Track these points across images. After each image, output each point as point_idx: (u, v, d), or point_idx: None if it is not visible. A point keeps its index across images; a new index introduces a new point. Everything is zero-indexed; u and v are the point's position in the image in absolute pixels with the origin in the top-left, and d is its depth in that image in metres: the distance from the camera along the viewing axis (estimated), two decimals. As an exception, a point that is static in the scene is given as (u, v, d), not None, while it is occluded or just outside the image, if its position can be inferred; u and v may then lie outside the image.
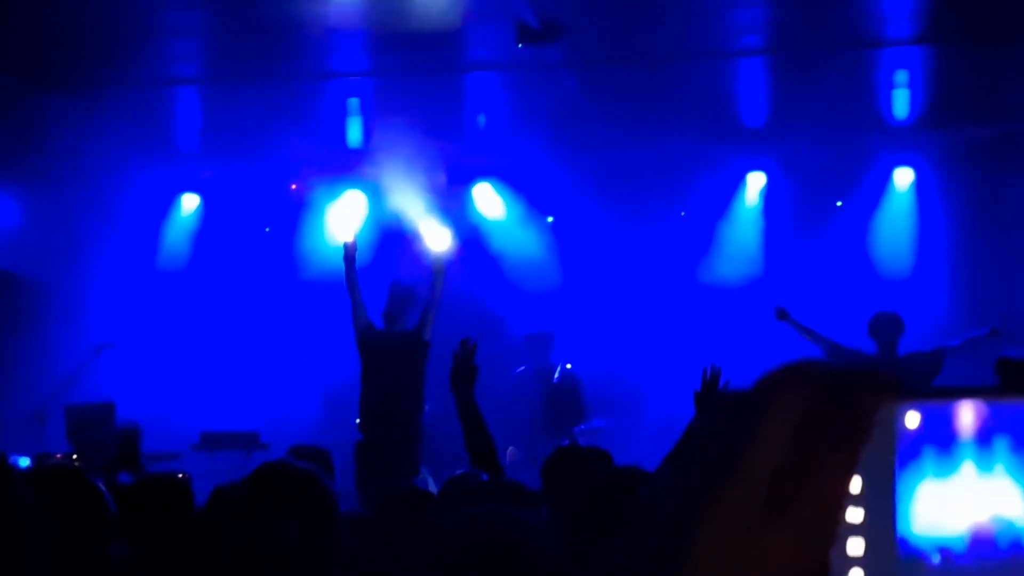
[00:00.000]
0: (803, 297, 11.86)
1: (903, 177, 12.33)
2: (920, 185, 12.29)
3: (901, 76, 10.96)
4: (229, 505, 3.04)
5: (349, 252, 9.37)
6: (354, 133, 12.30)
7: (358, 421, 9.10)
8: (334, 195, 13.03)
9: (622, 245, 12.53)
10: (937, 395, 0.73)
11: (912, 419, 0.72)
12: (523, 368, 10.95)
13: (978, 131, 11.71)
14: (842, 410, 0.70)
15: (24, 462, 8.27)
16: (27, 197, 11.61)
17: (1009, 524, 0.72)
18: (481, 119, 12.05)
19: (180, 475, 7.07)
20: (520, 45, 9.12)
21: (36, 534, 2.07)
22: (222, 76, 10.69)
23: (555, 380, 10.68)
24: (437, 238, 9.67)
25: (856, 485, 0.71)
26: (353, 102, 11.52)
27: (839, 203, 12.41)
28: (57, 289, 11.86)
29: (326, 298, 11.62)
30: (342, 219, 12.95)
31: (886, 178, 12.39)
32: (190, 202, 13.40)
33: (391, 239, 12.92)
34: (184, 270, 13.16)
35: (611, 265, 12.53)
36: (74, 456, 8.51)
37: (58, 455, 8.50)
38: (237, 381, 12.52)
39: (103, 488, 3.60)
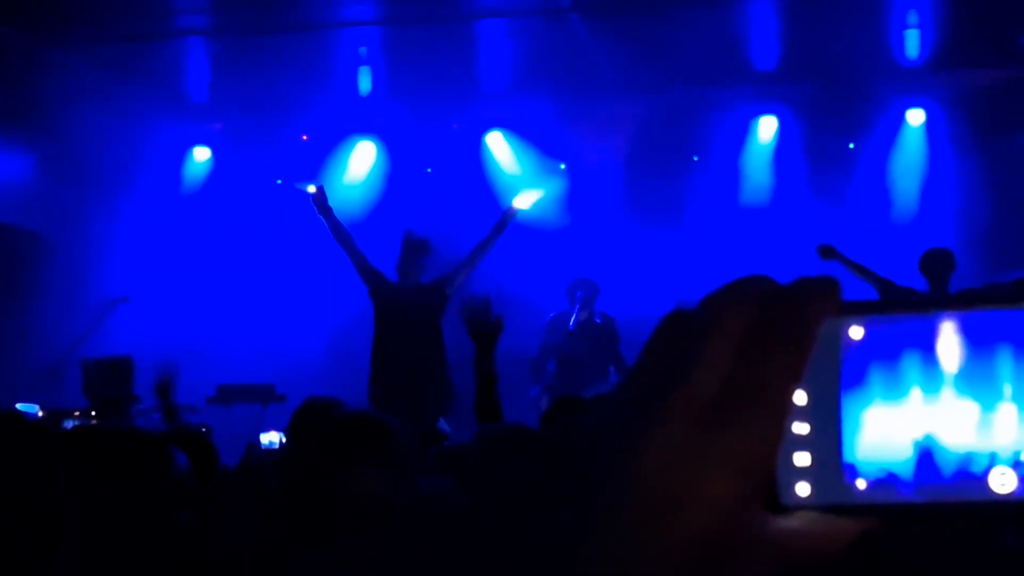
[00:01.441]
0: (816, 239, 11.84)
1: (914, 119, 12.27)
2: (931, 127, 12.23)
3: (912, 17, 10.88)
4: (293, 458, 2.97)
5: (319, 201, 9.25)
6: (364, 83, 12.25)
7: (371, 375, 8.99)
8: (345, 146, 13.01)
9: (635, 191, 12.50)
10: (882, 308, 0.73)
11: (856, 332, 0.72)
12: (555, 314, 10.83)
13: (989, 74, 11.63)
14: (783, 320, 0.70)
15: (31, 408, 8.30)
16: (39, 153, 11.61)
17: (953, 449, 0.71)
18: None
19: (203, 429, 7.09)
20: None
21: (64, 495, 2.05)
22: (231, 27, 10.65)
23: (596, 322, 10.56)
24: (526, 194, 9.59)
25: (801, 398, 0.71)
26: (363, 51, 11.46)
27: (851, 145, 12.35)
28: (71, 244, 11.88)
29: (339, 249, 11.61)
30: (354, 169, 12.97)
31: (898, 120, 12.32)
32: (202, 155, 13.38)
33: (403, 188, 12.93)
34: (197, 223, 13.15)
35: (624, 211, 12.50)
36: (92, 412, 8.52)
37: (76, 412, 8.51)
38: (252, 334, 12.54)
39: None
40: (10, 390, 9.77)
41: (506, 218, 9.29)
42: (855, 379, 0.72)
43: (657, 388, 0.71)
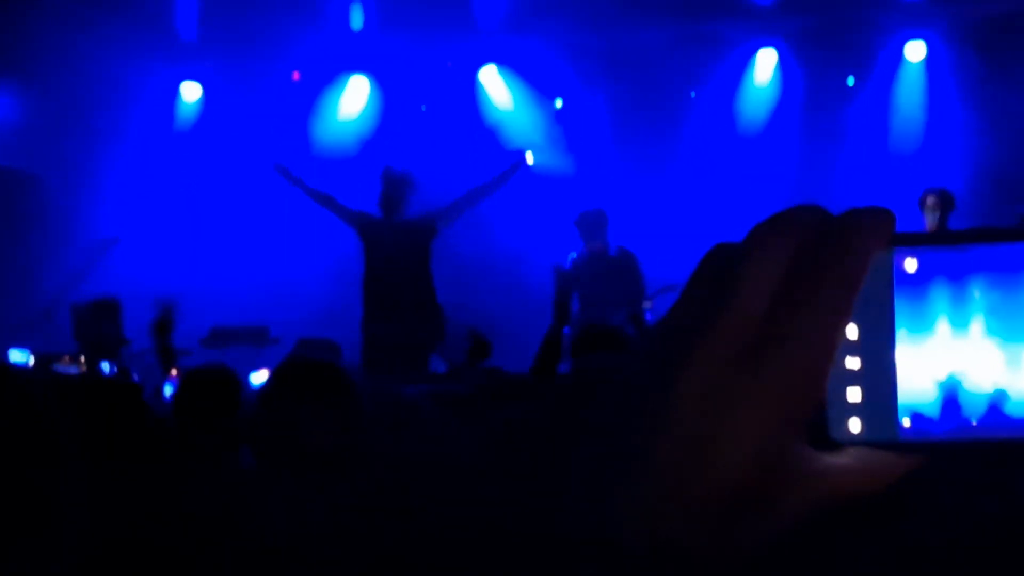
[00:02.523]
0: (818, 174, 11.77)
1: (915, 51, 12.13)
2: (932, 60, 12.10)
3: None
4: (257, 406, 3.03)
5: (284, 176, 9.42)
6: (356, 19, 12.09)
7: (364, 312, 9.02)
8: (338, 83, 12.89)
9: (632, 127, 12.41)
10: (936, 240, 0.72)
11: (910, 264, 0.71)
12: (576, 254, 10.75)
13: (992, 6, 11.50)
14: (834, 252, 0.69)
15: (22, 357, 8.23)
16: (27, 94, 11.51)
17: (980, 390, 0.71)
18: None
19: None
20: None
21: (57, 447, 2.01)
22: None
23: (612, 255, 10.49)
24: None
25: (853, 332, 0.71)
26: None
27: (851, 80, 12.24)
28: (60, 185, 11.78)
29: (332, 189, 11.52)
30: (347, 107, 12.86)
31: (899, 54, 12.20)
32: (192, 92, 13.25)
33: (396, 125, 12.84)
34: (188, 162, 13.04)
35: (621, 147, 12.42)
36: (81, 356, 8.46)
37: (67, 358, 8.44)
38: (246, 274, 12.47)
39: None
40: (1, 334, 9.71)
41: (514, 168, 9.38)
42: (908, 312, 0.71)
43: (696, 322, 0.70)
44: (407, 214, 8.99)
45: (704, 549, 0.68)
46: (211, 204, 12.86)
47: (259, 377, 8.08)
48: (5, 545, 1.88)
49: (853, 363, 0.70)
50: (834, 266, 0.68)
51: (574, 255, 10.72)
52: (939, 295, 0.70)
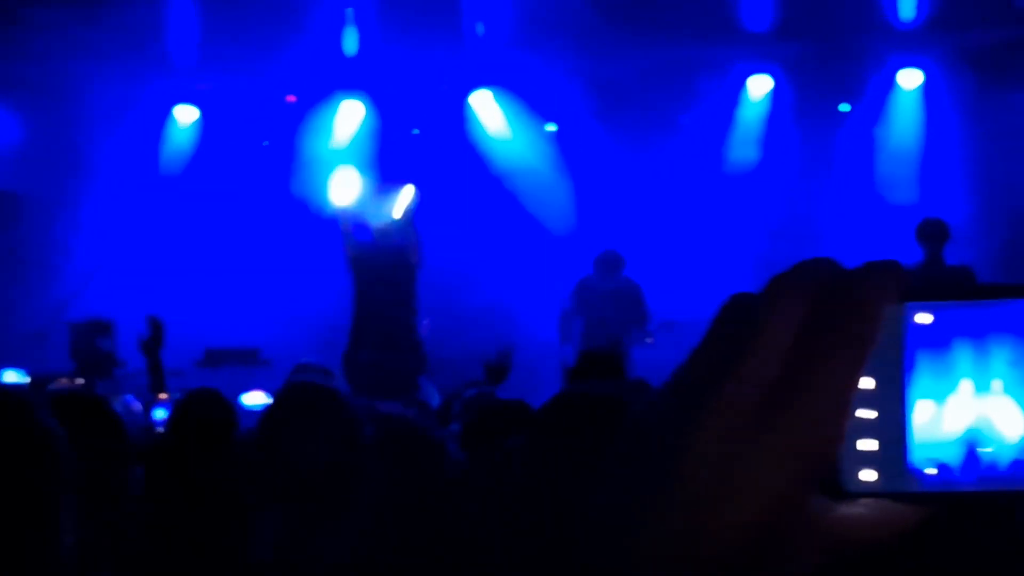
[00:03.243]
0: (809, 202, 11.81)
1: (910, 79, 12.17)
2: (928, 88, 12.13)
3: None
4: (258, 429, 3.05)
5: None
6: (350, 42, 12.14)
7: (350, 337, 9.17)
8: (332, 106, 12.92)
9: (625, 151, 12.43)
10: (947, 293, 0.72)
11: (923, 318, 0.72)
12: (583, 277, 10.91)
13: (986, 35, 11.55)
14: (847, 306, 0.69)
15: (18, 377, 8.24)
16: (23, 113, 11.53)
17: (1004, 443, 0.71)
18: (480, 27, 11.88)
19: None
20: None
21: (60, 462, 2.06)
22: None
23: (618, 287, 10.73)
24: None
25: (868, 383, 0.71)
26: (349, 11, 11.35)
27: (846, 107, 12.27)
28: (56, 205, 11.80)
29: (326, 214, 11.57)
30: (340, 130, 12.89)
31: (892, 82, 12.23)
32: (188, 115, 13.27)
33: (392, 145, 12.87)
34: (183, 184, 13.06)
35: (615, 172, 12.45)
36: (77, 378, 8.48)
37: (63, 379, 8.46)
38: (238, 296, 12.47)
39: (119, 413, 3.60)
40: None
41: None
42: (912, 368, 0.72)
43: (714, 373, 0.70)
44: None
45: None
46: (205, 226, 12.87)
47: (251, 399, 8.11)
48: (10, 549, 1.93)
49: (867, 414, 0.71)
50: (847, 322, 0.69)
51: (582, 277, 10.89)
52: (957, 348, 0.71)
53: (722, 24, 11.54)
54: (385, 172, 11.46)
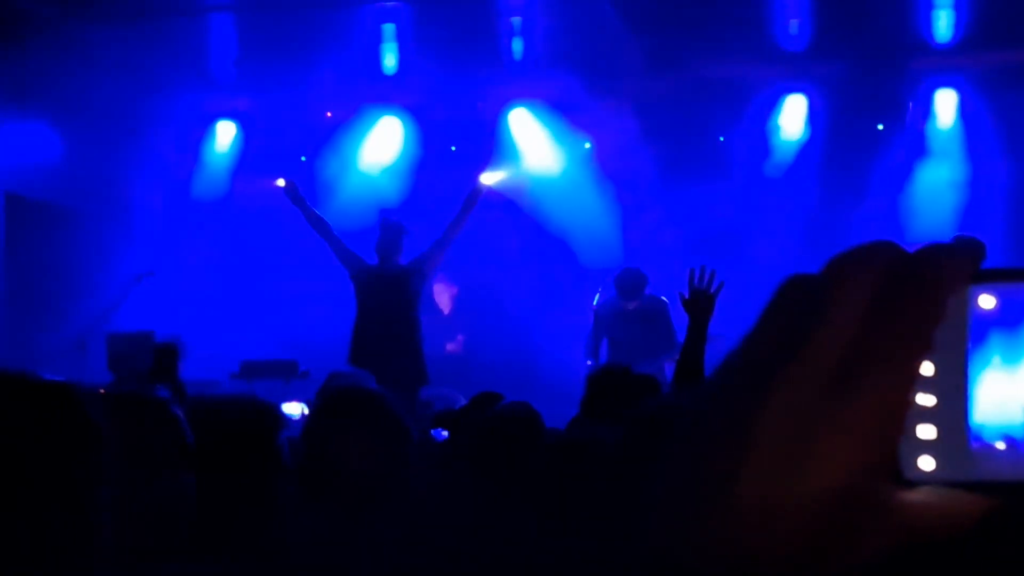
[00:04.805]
0: (845, 221, 11.79)
1: (946, 99, 12.15)
2: (964, 107, 12.12)
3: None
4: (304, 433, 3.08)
5: (290, 194, 9.58)
6: (389, 60, 12.21)
7: (351, 353, 9.24)
8: (370, 122, 12.99)
9: (661, 170, 12.44)
10: (1012, 276, 0.72)
11: (986, 301, 0.71)
12: (607, 299, 10.82)
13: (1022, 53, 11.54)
14: (913, 290, 0.69)
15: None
16: (66, 128, 11.62)
17: None
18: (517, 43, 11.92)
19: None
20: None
21: (103, 459, 2.09)
22: (256, 3, 10.62)
23: (642, 305, 10.55)
24: (491, 173, 9.82)
25: (928, 369, 0.70)
26: (388, 28, 11.41)
27: (880, 126, 12.26)
28: (97, 218, 11.89)
29: (361, 226, 11.64)
30: (378, 147, 12.96)
31: (929, 101, 12.22)
32: (227, 131, 13.37)
33: (428, 164, 12.92)
34: (222, 199, 13.16)
35: (650, 190, 12.45)
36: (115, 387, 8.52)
37: (101, 390, 8.50)
38: (275, 309, 12.55)
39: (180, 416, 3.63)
40: (36, 364, 9.78)
41: (474, 195, 9.62)
42: (978, 347, 0.71)
43: (777, 351, 0.69)
44: (401, 260, 9.29)
45: None
46: (243, 239, 12.96)
47: (289, 408, 8.16)
48: (38, 538, 1.97)
49: (926, 400, 0.70)
50: (914, 302, 0.69)
51: (600, 296, 10.80)
52: (1005, 330, 0.70)
53: (759, 44, 11.56)
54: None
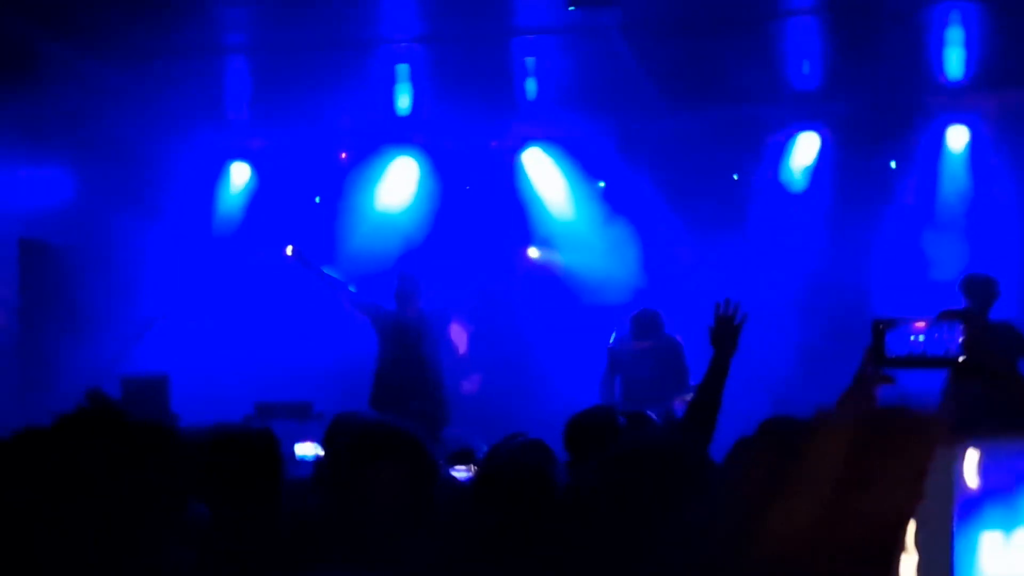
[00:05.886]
0: (860, 259, 11.78)
1: (958, 136, 12.15)
2: (975, 144, 12.11)
3: (955, 34, 10.78)
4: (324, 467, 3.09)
5: (299, 259, 9.82)
6: (403, 100, 12.25)
7: (372, 396, 9.34)
8: (384, 163, 13.03)
9: (675, 210, 12.45)
10: (996, 435, 0.69)
11: (970, 465, 0.70)
12: (620, 335, 10.82)
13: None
14: (897, 453, 0.69)
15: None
16: (78, 169, 11.64)
17: None
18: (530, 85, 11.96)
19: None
20: (572, 8, 9.02)
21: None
22: (271, 44, 10.66)
23: (657, 344, 10.55)
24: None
25: (909, 533, 0.68)
26: (402, 68, 11.46)
27: (893, 164, 12.26)
28: (110, 261, 11.90)
29: (376, 266, 11.66)
30: (393, 187, 12.99)
31: (941, 139, 12.22)
32: (241, 172, 13.42)
33: (443, 203, 12.94)
34: (236, 240, 13.18)
35: (664, 230, 12.46)
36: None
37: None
38: (290, 351, 12.54)
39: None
40: (51, 408, 9.76)
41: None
42: (971, 510, 0.70)
43: (774, 477, 0.72)
44: (421, 305, 9.60)
45: None
46: (257, 280, 12.97)
47: (303, 449, 8.14)
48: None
49: (909, 564, 0.70)
50: (898, 467, 0.70)
51: (616, 335, 10.80)
52: (997, 492, 0.70)
53: (772, 84, 11.58)
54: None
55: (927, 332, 2.84)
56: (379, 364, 9.56)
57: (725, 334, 5.31)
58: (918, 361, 2.81)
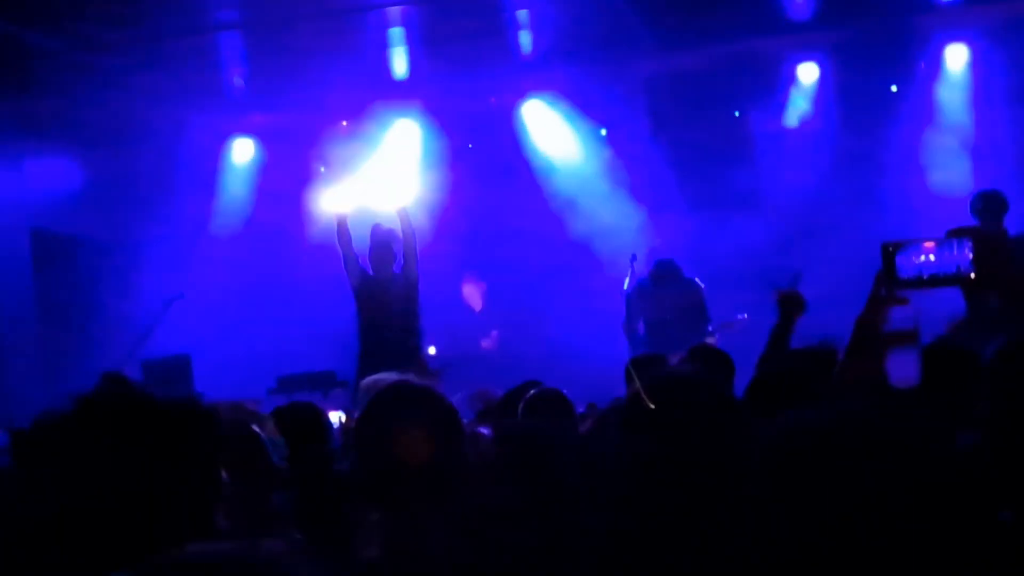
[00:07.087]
0: (867, 187, 11.76)
1: (957, 54, 12.11)
2: (975, 60, 12.06)
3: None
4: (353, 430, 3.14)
5: (342, 229, 9.58)
6: (399, 64, 12.23)
7: (359, 362, 9.30)
8: (386, 127, 13.01)
9: (677, 150, 12.44)
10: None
11: None
12: (638, 280, 10.82)
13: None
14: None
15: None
16: (84, 158, 11.67)
17: None
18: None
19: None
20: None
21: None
22: (264, 18, 10.65)
23: (680, 289, 10.60)
24: (396, 192, 9.79)
25: None
26: (396, 32, 11.43)
27: (894, 88, 12.22)
28: (123, 247, 11.94)
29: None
30: (396, 150, 12.97)
31: (941, 59, 12.17)
32: (244, 147, 13.43)
33: (447, 162, 12.94)
34: (245, 216, 13.20)
35: (667, 172, 12.44)
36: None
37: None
38: (307, 322, 12.55)
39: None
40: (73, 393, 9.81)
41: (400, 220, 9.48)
42: None
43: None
44: (395, 269, 9.33)
45: None
46: (268, 254, 12.99)
47: (334, 417, 8.18)
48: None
49: None
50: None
51: (630, 281, 10.80)
52: None
53: (767, 17, 11.54)
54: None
55: (936, 251, 2.86)
56: (360, 330, 9.47)
57: (792, 299, 5.36)
58: (930, 281, 2.83)
